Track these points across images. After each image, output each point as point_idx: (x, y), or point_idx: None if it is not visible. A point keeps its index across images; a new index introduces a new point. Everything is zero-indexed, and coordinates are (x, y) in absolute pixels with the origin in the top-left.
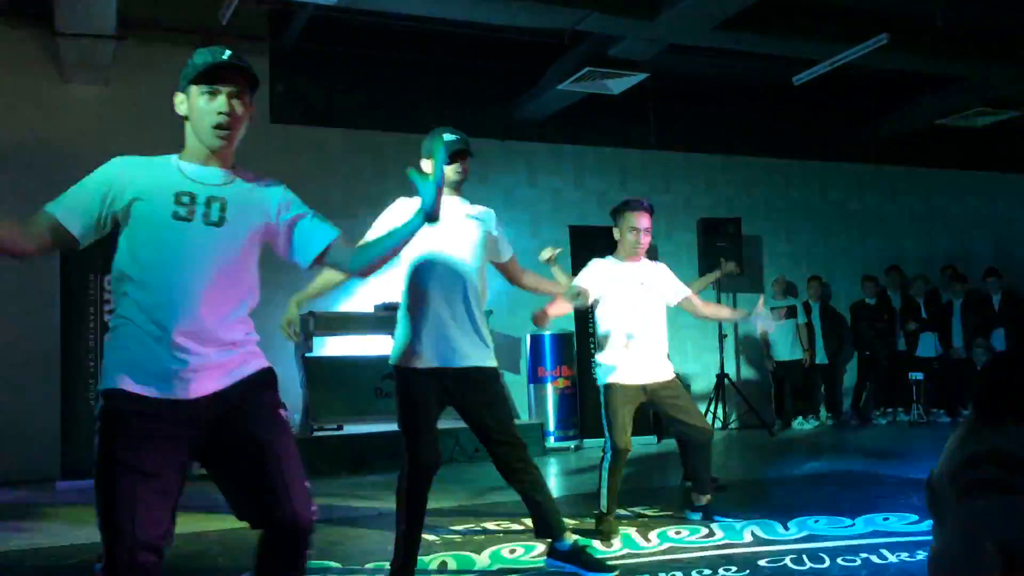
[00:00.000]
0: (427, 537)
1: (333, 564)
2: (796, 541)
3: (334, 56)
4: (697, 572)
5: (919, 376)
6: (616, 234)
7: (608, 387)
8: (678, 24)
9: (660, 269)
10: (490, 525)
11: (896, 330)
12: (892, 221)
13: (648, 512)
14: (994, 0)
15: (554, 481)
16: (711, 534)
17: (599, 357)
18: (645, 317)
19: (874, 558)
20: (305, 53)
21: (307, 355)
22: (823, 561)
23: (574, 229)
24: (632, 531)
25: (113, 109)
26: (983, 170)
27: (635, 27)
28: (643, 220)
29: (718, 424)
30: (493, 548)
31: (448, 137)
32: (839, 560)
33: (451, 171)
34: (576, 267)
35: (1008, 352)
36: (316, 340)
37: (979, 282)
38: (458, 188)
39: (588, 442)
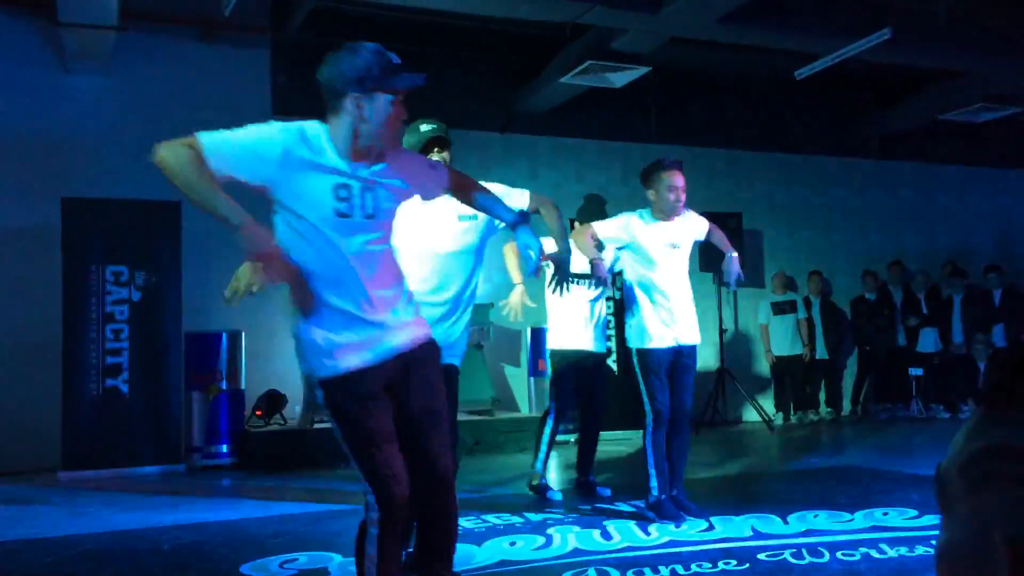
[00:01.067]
0: None
1: (336, 555)
2: (796, 535)
3: (335, 48)
4: (696, 566)
5: (919, 372)
6: (651, 195)
7: (641, 352)
8: (681, 17)
9: (689, 219)
10: (490, 518)
11: (896, 325)
12: (893, 216)
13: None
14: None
15: (554, 475)
16: (711, 528)
17: (631, 321)
18: (675, 279)
19: (873, 552)
20: (307, 45)
21: None
22: (822, 556)
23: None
24: (632, 524)
25: (114, 99)
26: (985, 166)
27: (638, 20)
28: (680, 179)
29: (717, 419)
30: (493, 539)
31: (424, 127)
32: (838, 555)
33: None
34: None
35: (1018, 342)
36: None
37: (979, 278)
38: None
39: None
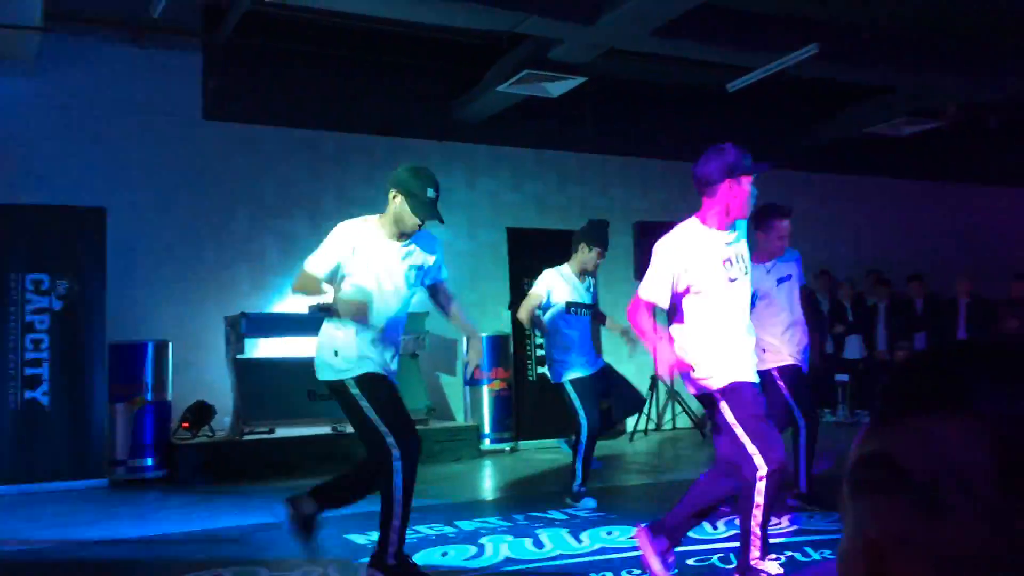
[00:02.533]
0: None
1: (262, 570)
2: (724, 540)
3: (270, 52)
4: (627, 572)
5: (845, 378)
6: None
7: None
8: (616, 29)
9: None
10: (422, 528)
11: (824, 333)
12: (822, 226)
13: (580, 513)
14: (918, 14)
15: (489, 483)
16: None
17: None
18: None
19: (798, 556)
20: (240, 48)
21: (238, 357)
22: (809, 556)
23: (512, 232)
24: (564, 532)
25: (38, 102)
26: (908, 178)
27: (574, 31)
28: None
29: (652, 425)
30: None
31: (431, 194)
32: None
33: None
34: (514, 271)
35: (909, 356)
36: (248, 342)
37: (903, 287)
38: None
39: (523, 444)
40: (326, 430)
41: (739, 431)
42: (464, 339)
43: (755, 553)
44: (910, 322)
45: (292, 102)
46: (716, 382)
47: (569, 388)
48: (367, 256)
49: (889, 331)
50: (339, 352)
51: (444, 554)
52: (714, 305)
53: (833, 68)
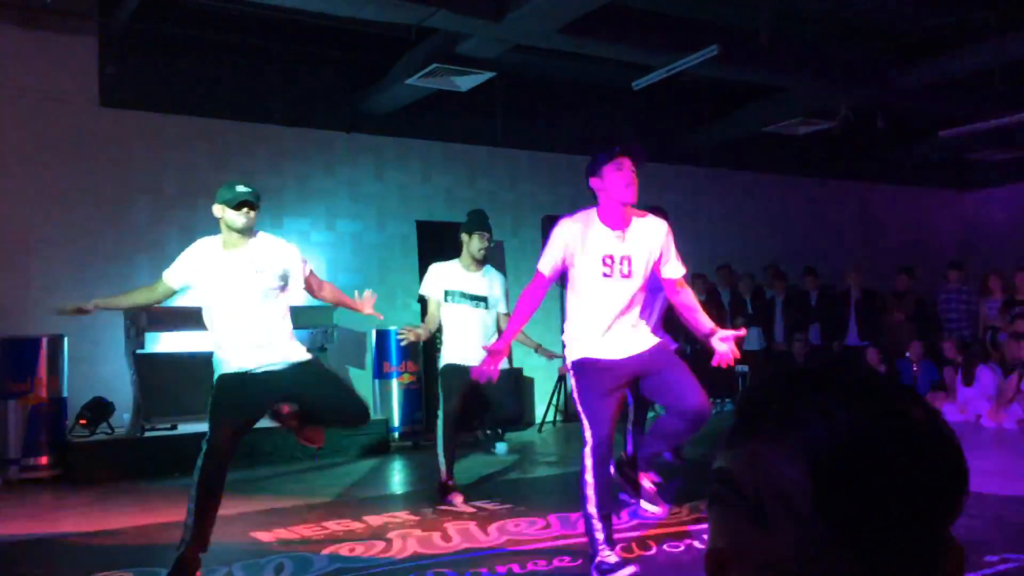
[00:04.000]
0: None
1: (163, 570)
2: (627, 530)
3: (171, 38)
4: (533, 563)
5: (744, 369)
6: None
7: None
8: (523, 25)
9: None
10: (330, 524)
11: (725, 325)
12: (722, 222)
13: (488, 505)
14: (811, 20)
15: (399, 476)
16: (548, 526)
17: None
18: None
19: (697, 543)
20: (139, 33)
21: (138, 351)
22: (650, 548)
23: (421, 225)
24: (471, 525)
25: None
26: (804, 175)
27: (482, 26)
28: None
29: (560, 418)
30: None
31: (240, 189)
32: (664, 547)
33: (239, 216)
34: (423, 264)
35: (761, 378)
36: (148, 336)
37: (799, 280)
38: (248, 234)
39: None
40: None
41: (578, 404)
42: (372, 332)
43: (599, 536)
44: (805, 314)
45: (194, 90)
46: (569, 357)
47: (440, 374)
48: (209, 271)
49: (786, 323)
50: (214, 354)
51: (352, 550)
52: (585, 289)
53: (733, 69)
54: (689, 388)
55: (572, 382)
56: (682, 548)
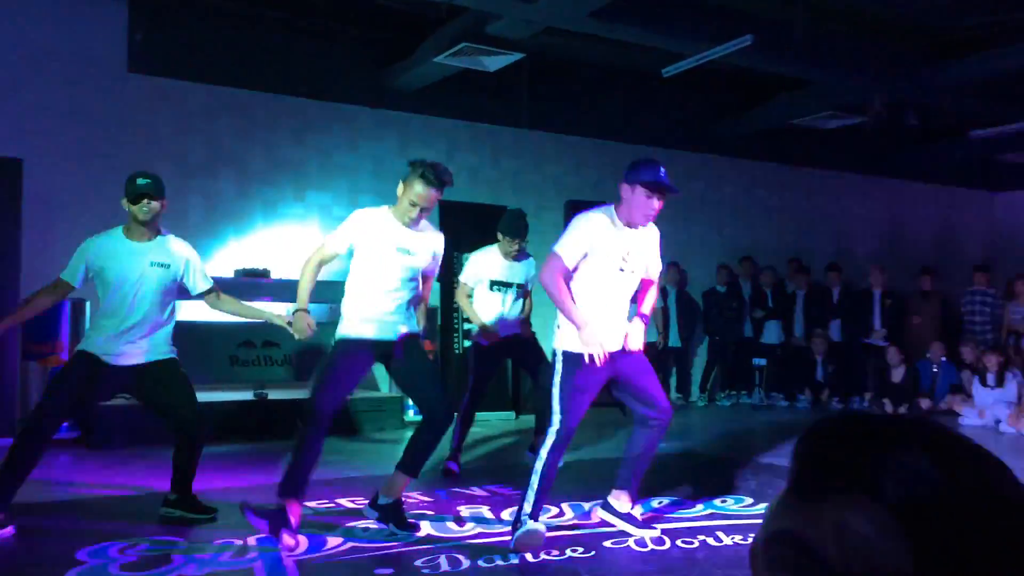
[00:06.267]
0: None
1: (179, 540)
2: (702, 518)
3: (200, 7)
4: (545, 553)
5: (762, 362)
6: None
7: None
8: (555, 8)
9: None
10: (343, 501)
11: (744, 317)
12: (746, 213)
13: (502, 491)
14: (845, 14)
15: None
16: (561, 514)
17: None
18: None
19: (711, 540)
20: (169, 1)
21: None
22: (663, 543)
23: (444, 204)
24: (484, 509)
25: None
26: (830, 169)
27: (513, 8)
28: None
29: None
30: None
31: (140, 181)
32: (678, 542)
33: (137, 210)
34: (446, 244)
35: (824, 423)
36: None
37: (821, 275)
38: (149, 227)
39: None
40: (248, 395)
41: (556, 389)
42: None
43: (527, 508)
44: (826, 310)
45: (221, 60)
46: (560, 345)
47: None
48: (111, 261)
49: (806, 318)
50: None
51: (365, 530)
52: (600, 281)
53: (765, 60)
54: (658, 396)
55: (558, 367)
56: (696, 544)
